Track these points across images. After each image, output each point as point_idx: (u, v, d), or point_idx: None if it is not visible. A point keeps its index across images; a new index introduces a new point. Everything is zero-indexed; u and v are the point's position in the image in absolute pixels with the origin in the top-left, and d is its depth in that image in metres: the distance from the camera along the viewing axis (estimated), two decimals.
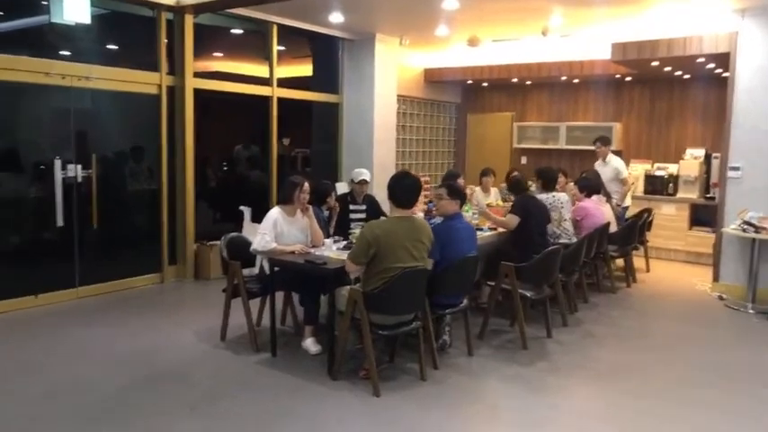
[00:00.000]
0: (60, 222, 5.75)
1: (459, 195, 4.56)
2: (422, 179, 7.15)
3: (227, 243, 4.91)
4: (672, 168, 8.87)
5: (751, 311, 6.05)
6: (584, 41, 8.29)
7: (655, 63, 7.31)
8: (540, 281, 4.89)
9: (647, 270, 7.74)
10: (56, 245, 5.87)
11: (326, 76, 8.71)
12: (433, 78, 10.08)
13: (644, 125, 9.34)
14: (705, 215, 8.45)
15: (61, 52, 5.87)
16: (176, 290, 6.61)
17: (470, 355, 4.57)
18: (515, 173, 7.13)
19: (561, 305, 5.39)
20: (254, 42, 8.01)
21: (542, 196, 6.02)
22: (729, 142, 6.48)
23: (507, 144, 10.59)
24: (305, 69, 8.98)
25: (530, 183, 7.31)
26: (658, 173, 8.90)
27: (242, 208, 7.00)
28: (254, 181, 8.46)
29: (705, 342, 5.20)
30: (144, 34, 6.48)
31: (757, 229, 6.02)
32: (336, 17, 7.13)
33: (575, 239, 6.03)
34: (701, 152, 8.64)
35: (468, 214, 6.09)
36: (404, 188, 4.07)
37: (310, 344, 4.58)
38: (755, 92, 6.28)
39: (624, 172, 7.81)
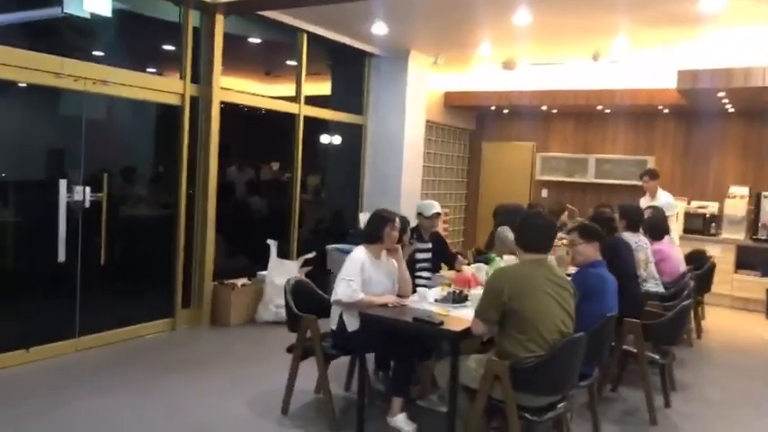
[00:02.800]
0: (62, 257, 4.63)
1: (597, 236, 3.74)
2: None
3: (292, 290, 3.92)
4: (711, 207, 8.37)
5: None
6: (622, 69, 7.74)
7: (721, 94, 6.78)
8: (672, 340, 4.11)
9: (703, 317, 7.11)
10: (54, 285, 4.75)
11: (348, 95, 7.85)
12: (454, 102, 9.36)
13: (679, 160, 8.84)
14: (752, 257, 7.94)
15: (74, 51, 4.81)
16: (193, 340, 5.53)
17: None
18: (603, 208, 6.35)
19: (670, 365, 4.62)
20: (280, 55, 7.13)
21: (627, 236, 5.29)
22: None
23: (527, 175, 9.92)
24: (322, 87, 8.10)
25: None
26: (700, 211, 8.37)
27: (269, 241, 6.03)
28: (256, 210, 7.50)
29: None
30: (167, 35, 5.50)
31: None
32: (380, 28, 6.31)
33: (661, 286, 5.33)
34: (744, 190, 8.18)
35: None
36: (539, 230, 3.24)
37: (402, 421, 3.63)
38: None
39: (674, 209, 7.22)
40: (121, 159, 5.25)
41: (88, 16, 4.55)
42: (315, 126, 7.32)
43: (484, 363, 3.14)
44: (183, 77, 5.45)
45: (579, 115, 9.42)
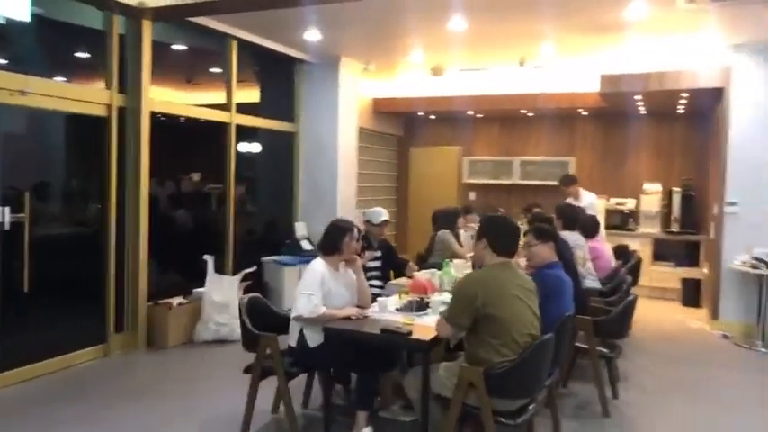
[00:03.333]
0: None
1: (551, 237, 3.83)
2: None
3: (247, 308, 3.75)
4: (629, 203, 8.85)
5: (763, 350, 5.90)
6: (545, 74, 8.05)
7: (637, 97, 7.18)
8: (620, 333, 4.27)
9: None
10: None
11: (278, 103, 7.68)
12: (382, 109, 9.39)
13: (597, 160, 9.29)
14: (666, 250, 8.46)
15: None
16: (130, 365, 5.18)
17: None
18: (537, 208, 6.51)
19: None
20: (203, 62, 6.86)
21: (565, 234, 5.46)
22: (725, 177, 6.41)
23: (454, 179, 10.10)
24: (249, 95, 7.87)
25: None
26: (618, 207, 8.83)
27: (206, 257, 5.77)
28: (186, 224, 7.18)
29: (746, 386, 4.90)
30: (90, 43, 5.15)
31: None
32: (313, 35, 6.22)
33: (597, 282, 5.57)
34: (657, 187, 8.70)
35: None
36: (507, 232, 3.28)
37: None
38: (750, 127, 6.28)
39: (596, 208, 7.56)
40: (44, 176, 4.85)
41: (3, 21, 4.21)
42: (245, 135, 7.10)
43: (454, 370, 3.13)
44: (109, 87, 5.11)
45: (504, 119, 9.70)
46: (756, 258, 5.99)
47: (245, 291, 5.99)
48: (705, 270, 7.64)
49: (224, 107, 6.54)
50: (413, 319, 3.51)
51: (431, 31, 6.15)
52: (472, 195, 10.00)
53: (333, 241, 3.72)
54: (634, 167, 9.07)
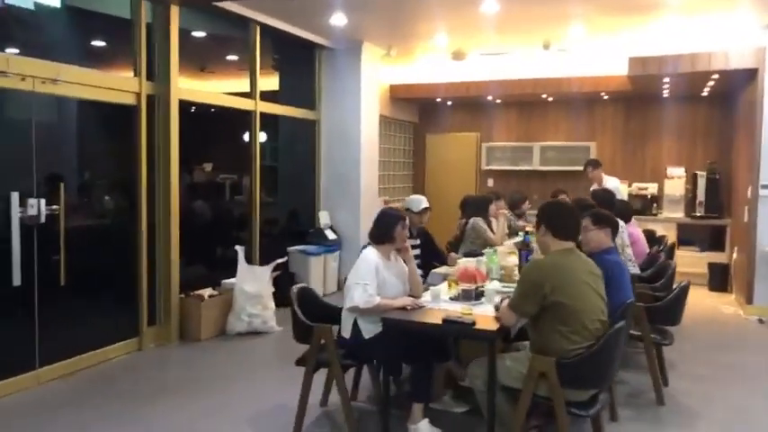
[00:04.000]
0: (17, 281, 4.10)
1: (609, 223, 3.73)
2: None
3: (298, 298, 3.65)
4: (651, 188, 8.75)
5: None
6: (567, 58, 7.91)
7: (666, 80, 7.06)
8: (674, 320, 4.18)
9: None
10: (10, 313, 4.20)
11: (298, 90, 7.54)
12: (399, 95, 9.24)
13: (618, 144, 9.17)
14: (691, 234, 8.37)
15: (20, 47, 4.25)
16: (164, 359, 5.10)
17: (614, 421, 3.74)
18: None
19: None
20: (222, 49, 6.71)
21: None
22: (760, 160, 6.30)
23: (472, 166, 9.98)
24: (269, 82, 7.72)
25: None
26: (641, 192, 8.72)
27: (237, 248, 5.67)
28: (206, 214, 7.06)
29: None
30: (118, 30, 5.01)
31: None
32: (339, 19, 6.07)
33: (637, 268, 5.47)
34: (681, 171, 8.60)
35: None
36: (567, 216, 3.20)
37: (426, 427, 3.47)
38: None
39: (622, 193, 7.47)
40: (77, 166, 4.74)
41: (32, 7, 4.10)
42: (266, 123, 6.97)
43: (522, 360, 3.04)
44: (138, 75, 4.98)
45: (522, 104, 9.56)
46: None
47: (274, 281, 5.90)
48: (734, 254, 7.55)
49: (248, 95, 6.40)
50: (470, 308, 3.41)
51: (458, 13, 6.01)
52: (491, 182, 9.88)
53: (385, 230, 3.62)
54: (656, 151, 8.96)
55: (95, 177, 5.05)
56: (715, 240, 8.23)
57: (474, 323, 3.15)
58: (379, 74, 7.90)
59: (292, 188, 7.72)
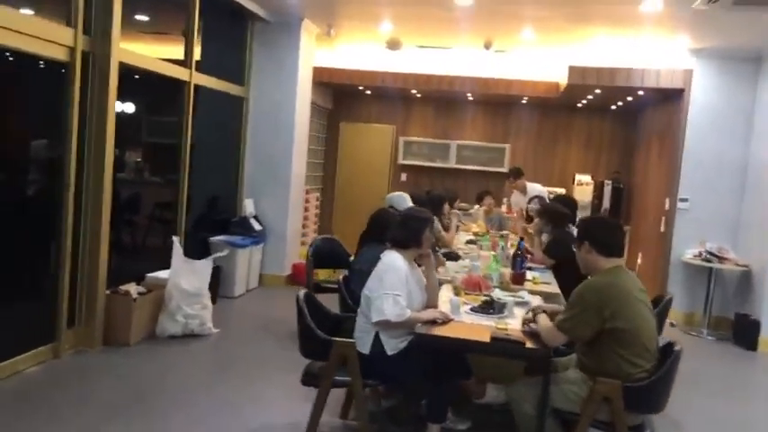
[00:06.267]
0: None
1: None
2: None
3: (307, 307, 3.14)
4: (560, 192, 9.11)
5: (709, 338, 6.35)
6: (500, 60, 7.94)
7: (597, 91, 7.34)
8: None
9: None
10: None
11: (224, 61, 6.76)
12: (322, 79, 8.71)
13: (531, 148, 9.45)
14: None
15: None
16: (90, 368, 4.24)
17: None
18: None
19: None
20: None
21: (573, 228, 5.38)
22: (679, 175, 6.75)
23: (387, 159, 9.77)
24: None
25: None
26: (551, 197, 9.04)
27: (173, 238, 4.93)
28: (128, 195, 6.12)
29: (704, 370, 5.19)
30: None
31: (720, 259, 6.34)
32: None
33: None
34: (588, 178, 9.06)
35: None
36: (612, 230, 3.08)
37: None
38: (703, 129, 6.65)
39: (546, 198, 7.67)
40: None
41: None
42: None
43: (577, 382, 2.87)
44: (73, 26, 4.06)
45: (441, 100, 9.49)
46: (709, 252, 6.39)
47: None
48: (638, 260, 8.08)
49: (182, 63, 5.60)
50: (506, 323, 3.17)
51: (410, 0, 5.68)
52: (404, 177, 9.73)
53: (414, 233, 3.25)
54: (565, 158, 9.36)
55: (12, 148, 4.06)
56: None
57: (525, 342, 2.91)
58: (313, 54, 7.35)
59: (212, 172, 6.92)
